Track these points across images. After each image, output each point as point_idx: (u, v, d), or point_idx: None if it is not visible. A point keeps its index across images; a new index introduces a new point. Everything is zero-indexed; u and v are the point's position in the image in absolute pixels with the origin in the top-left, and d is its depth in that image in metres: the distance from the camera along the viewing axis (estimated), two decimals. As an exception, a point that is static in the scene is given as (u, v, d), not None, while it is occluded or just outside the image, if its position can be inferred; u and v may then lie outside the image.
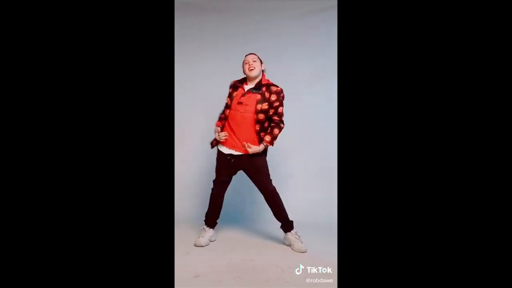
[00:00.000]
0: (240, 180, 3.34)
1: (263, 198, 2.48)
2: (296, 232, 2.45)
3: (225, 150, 2.41)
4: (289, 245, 2.43)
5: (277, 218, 2.49)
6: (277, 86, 2.38)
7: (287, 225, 2.47)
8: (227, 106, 2.44)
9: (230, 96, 2.44)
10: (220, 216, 3.15)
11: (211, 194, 2.53)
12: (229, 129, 2.39)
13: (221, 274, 1.91)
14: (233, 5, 3.48)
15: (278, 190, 2.46)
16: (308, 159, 3.40)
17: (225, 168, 2.45)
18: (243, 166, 2.43)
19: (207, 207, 2.55)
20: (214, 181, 2.52)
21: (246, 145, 2.33)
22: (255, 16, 3.47)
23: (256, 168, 2.40)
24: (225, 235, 2.70)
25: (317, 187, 3.31)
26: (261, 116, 2.34)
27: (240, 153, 2.38)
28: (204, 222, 2.55)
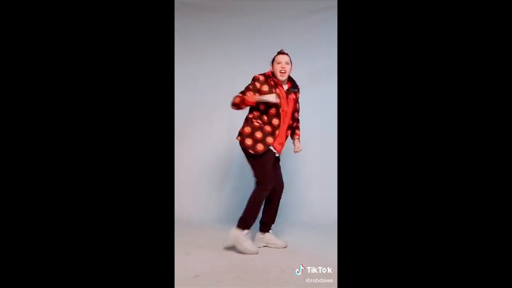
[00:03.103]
0: (240, 180, 3.35)
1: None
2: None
3: (273, 151, 2.36)
4: (266, 245, 2.41)
5: (272, 217, 2.46)
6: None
7: (270, 225, 2.47)
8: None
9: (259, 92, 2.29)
10: (220, 216, 3.16)
11: (261, 200, 2.34)
12: (271, 129, 2.30)
13: (221, 274, 1.91)
14: (233, 5, 3.48)
15: (284, 192, 2.50)
16: (308, 159, 3.40)
17: (273, 171, 2.37)
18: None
19: (251, 213, 2.34)
20: (266, 188, 2.31)
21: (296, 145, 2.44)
22: (255, 16, 3.47)
23: (278, 165, 2.46)
24: (225, 235, 2.70)
25: (317, 187, 3.30)
26: (296, 114, 2.43)
27: (277, 154, 2.39)
28: (247, 227, 2.33)
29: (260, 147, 2.26)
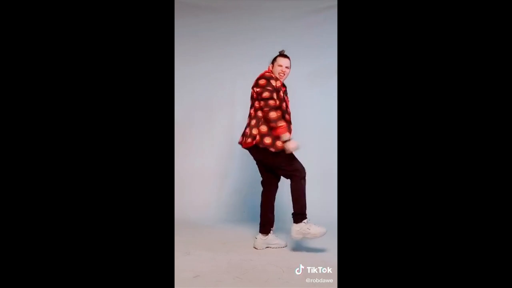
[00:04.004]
0: (240, 180, 3.35)
1: (262, 198, 2.49)
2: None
3: None
4: (268, 246, 2.42)
5: (272, 218, 2.48)
6: None
7: (271, 226, 2.48)
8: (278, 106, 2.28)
9: (277, 94, 2.29)
10: (220, 216, 3.14)
11: (303, 188, 2.34)
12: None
13: (221, 274, 1.91)
14: (233, 5, 3.48)
15: (279, 190, 2.50)
16: (308, 159, 3.38)
17: None
18: None
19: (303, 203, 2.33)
20: (302, 176, 2.33)
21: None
22: (255, 15, 3.48)
23: None
24: (225, 235, 2.70)
25: (317, 187, 3.29)
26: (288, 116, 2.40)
27: None
28: (304, 217, 2.32)
29: (279, 143, 2.25)
